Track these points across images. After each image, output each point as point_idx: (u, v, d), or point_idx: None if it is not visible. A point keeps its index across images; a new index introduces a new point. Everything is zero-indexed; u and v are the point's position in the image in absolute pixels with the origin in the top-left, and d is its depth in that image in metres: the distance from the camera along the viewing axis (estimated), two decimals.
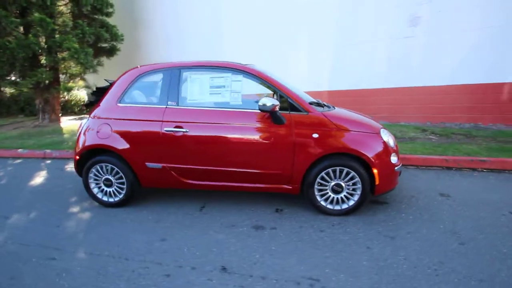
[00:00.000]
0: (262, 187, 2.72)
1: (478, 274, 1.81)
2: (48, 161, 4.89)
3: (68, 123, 7.66)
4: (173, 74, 2.76)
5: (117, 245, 2.28)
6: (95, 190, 2.96)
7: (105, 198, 2.96)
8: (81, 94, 9.28)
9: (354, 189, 2.57)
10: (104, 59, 8.32)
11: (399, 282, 1.77)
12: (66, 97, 9.59)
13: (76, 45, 6.32)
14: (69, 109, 10.00)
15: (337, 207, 2.62)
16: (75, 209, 2.99)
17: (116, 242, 2.33)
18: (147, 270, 1.96)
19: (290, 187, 2.67)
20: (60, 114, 8.19)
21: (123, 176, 2.84)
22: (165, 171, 2.77)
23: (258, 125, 2.59)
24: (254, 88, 2.84)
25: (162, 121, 2.70)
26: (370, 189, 2.56)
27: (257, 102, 2.50)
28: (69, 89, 7.25)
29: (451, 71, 5.67)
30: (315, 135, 2.51)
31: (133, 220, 2.69)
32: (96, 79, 8.14)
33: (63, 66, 7.19)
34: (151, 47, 9.21)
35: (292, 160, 2.56)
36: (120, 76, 2.94)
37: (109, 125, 2.81)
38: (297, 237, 2.32)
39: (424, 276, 1.82)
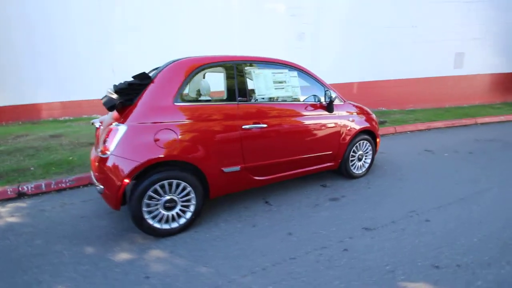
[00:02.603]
0: (317, 168, 3.16)
1: (451, 181, 3.33)
2: None
3: None
4: (237, 68, 2.57)
5: (261, 255, 2.06)
6: (150, 221, 2.22)
7: (165, 226, 2.29)
8: None
9: (366, 155, 3.58)
10: None
11: (449, 190, 2.95)
12: None
13: None
14: None
15: (360, 171, 3.53)
16: (121, 255, 2.10)
17: (252, 255, 2.07)
18: (325, 256, 2.03)
19: (334, 164, 3.29)
20: None
21: (192, 191, 2.34)
22: (241, 173, 2.58)
23: (318, 114, 3.01)
24: None
25: (239, 118, 2.50)
26: None
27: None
28: None
29: (327, 74, 7.97)
30: (351, 119, 3.28)
31: (227, 234, 2.36)
32: None
33: None
34: None
35: (339, 141, 3.20)
36: (164, 70, 2.33)
37: (172, 130, 2.21)
38: (364, 196, 3.03)
39: (457, 184, 3.12)
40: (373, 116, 3.72)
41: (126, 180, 2.07)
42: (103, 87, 7.46)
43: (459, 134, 5.84)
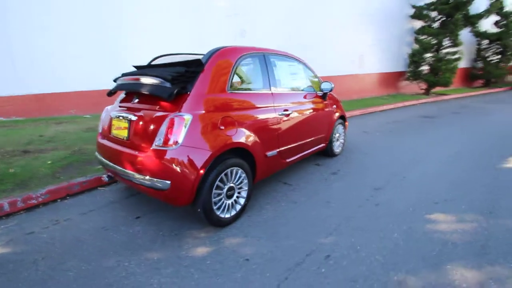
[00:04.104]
0: (316, 149, 3.65)
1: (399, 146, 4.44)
2: None
3: None
4: (267, 59, 2.73)
5: (322, 221, 2.38)
6: (217, 211, 2.18)
7: (227, 215, 2.29)
8: None
9: (340, 136, 4.32)
10: None
11: (402, 157, 3.94)
12: None
13: None
14: None
15: (338, 150, 4.24)
16: (198, 250, 1.99)
17: (316, 223, 2.39)
18: (367, 211, 2.53)
19: (325, 145, 3.86)
20: None
21: (246, 177, 2.41)
22: (277, 157, 2.78)
23: (318, 102, 3.48)
24: None
25: (274, 106, 2.68)
26: None
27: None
28: None
29: None
30: (334, 106, 3.91)
31: (279, 212, 2.56)
32: None
33: None
34: None
35: (329, 124, 3.78)
36: (214, 58, 2.26)
37: (231, 118, 2.22)
38: (353, 168, 3.71)
39: (402, 153, 4.14)
40: (341, 103, 4.50)
41: (202, 171, 1.98)
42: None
43: (373, 118, 7.52)
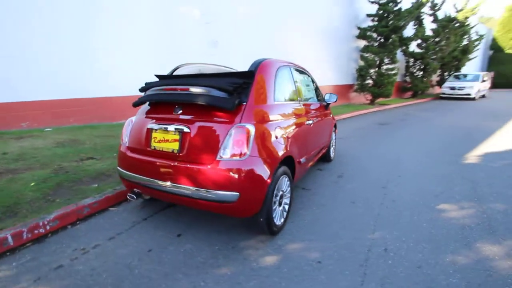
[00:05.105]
0: (321, 155, 3.90)
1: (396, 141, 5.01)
2: None
3: None
4: (292, 71, 2.87)
5: (359, 219, 2.62)
6: (274, 220, 2.21)
7: (279, 223, 2.33)
8: None
9: (333, 142, 4.69)
10: None
11: (385, 158, 4.46)
12: None
13: None
14: None
15: (333, 155, 4.59)
16: (267, 260, 1.99)
17: (354, 222, 2.61)
18: (389, 208, 2.84)
19: (325, 151, 4.15)
20: None
21: (289, 184, 2.49)
22: (305, 163, 2.92)
23: (324, 112, 3.75)
24: None
25: (304, 115, 2.83)
26: None
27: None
28: None
29: None
30: (331, 116, 4.25)
31: (315, 215, 2.70)
32: None
33: None
34: None
35: (330, 131, 4.09)
36: (260, 69, 2.31)
37: (280, 127, 2.30)
38: (353, 170, 4.07)
39: (384, 154, 4.67)
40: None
41: (269, 181, 2.00)
42: None
43: (340, 126, 8.18)
